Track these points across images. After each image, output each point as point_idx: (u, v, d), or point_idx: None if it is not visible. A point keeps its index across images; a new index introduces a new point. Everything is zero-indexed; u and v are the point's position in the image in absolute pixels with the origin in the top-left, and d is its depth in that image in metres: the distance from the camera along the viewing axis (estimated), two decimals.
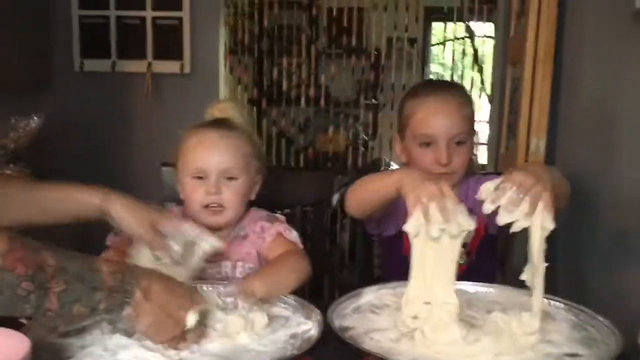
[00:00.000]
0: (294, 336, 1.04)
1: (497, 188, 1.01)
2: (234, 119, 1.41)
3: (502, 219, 1.02)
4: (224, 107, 1.44)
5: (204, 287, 1.16)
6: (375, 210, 1.33)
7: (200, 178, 1.33)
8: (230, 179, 1.34)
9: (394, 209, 1.43)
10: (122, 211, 1.18)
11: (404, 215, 1.05)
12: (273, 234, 1.37)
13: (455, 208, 1.03)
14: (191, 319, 0.98)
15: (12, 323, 0.89)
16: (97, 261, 0.94)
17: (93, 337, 1.00)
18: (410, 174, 1.13)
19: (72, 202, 1.19)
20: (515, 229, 1.01)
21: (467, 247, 1.44)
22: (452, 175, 1.41)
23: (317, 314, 1.08)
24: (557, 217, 1.03)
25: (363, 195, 1.31)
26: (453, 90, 1.47)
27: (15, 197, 1.17)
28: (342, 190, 2.34)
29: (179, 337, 0.98)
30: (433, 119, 1.40)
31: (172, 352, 0.97)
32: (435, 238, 1.02)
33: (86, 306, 0.89)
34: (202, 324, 1.01)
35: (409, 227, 1.03)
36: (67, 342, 0.99)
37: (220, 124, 1.38)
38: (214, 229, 1.35)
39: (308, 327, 1.07)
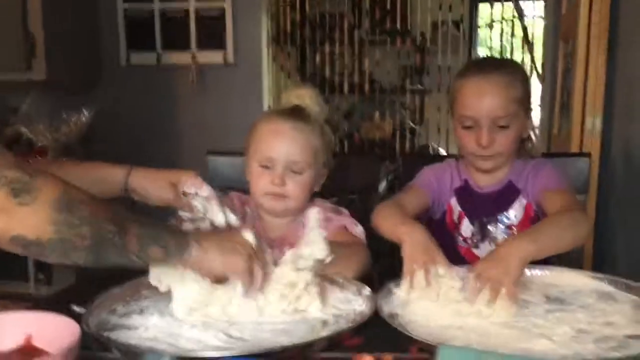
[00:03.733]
0: (343, 314, 1.04)
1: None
2: (309, 107, 1.39)
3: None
4: (301, 95, 1.42)
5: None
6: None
7: (266, 167, 1.33)
8: (296, 171, 1.34)
9: (433, 192, 1.45)
10: (143, 181, 1.22)
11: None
12: (337, 226, 1.36)
13: (444, 274, 1.09)
14: (249, 236, 1.02)
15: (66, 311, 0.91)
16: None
17: (152, 317, 1.01)
18: (415, 237, 1.16)
19: (99, 180, 1.22)
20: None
21: (515, 230, 1.40)
22: (494, 157, 1.38)
23: (367, 291, 1.08)
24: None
25: (379, 225, 1.31)
26: (502, 69, 1.39)
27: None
28: (389, 177, 2.33)
29: (253, 263, 1.00)
30: (474, 100, 1.35)
31: (233, 330, 0.96)
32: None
33: (161, 246, 0.90)
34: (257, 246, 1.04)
35: (400, 292, 1.10)
36: (128, 321, 1.00)
37: (295, 114, 1.36)
38: (274, 214, 1.38)
39: (359, 304, 1.06)
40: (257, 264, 1.02)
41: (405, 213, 1.32)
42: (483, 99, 1.34)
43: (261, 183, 1.34)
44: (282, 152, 1.32)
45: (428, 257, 1.11)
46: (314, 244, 1.08)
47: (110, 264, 0.88)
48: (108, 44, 3.14)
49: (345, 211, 1.43)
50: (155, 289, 1.13)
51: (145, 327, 0.98)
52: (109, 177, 1.23)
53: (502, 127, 1.35)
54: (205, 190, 1.21)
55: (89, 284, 1.28)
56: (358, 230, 1.37)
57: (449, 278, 1.09)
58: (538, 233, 1.15)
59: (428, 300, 1.07)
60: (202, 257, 0.96)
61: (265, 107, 3.06)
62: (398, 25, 3.65)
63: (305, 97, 1.41)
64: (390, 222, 1.28)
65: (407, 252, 1.14)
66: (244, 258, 1.00)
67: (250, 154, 1.38)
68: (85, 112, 2.79)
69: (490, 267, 1.06)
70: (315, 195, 1.45)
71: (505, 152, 1.38)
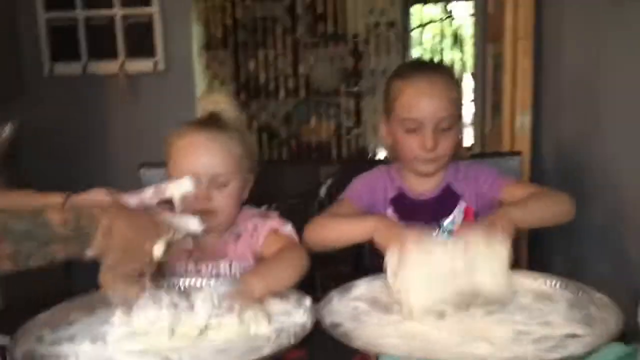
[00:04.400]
0: (285, 327, 1.02)
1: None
2: (225, 112, 1.35)
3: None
4: (216, 100, 1.37)
5: (201, 284, 1.14)
6: (338, 247, 1.34)
7: None
8: (221, 184, 1.29)
9: (370, 208, 1.43)
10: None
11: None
12: (266, 231, 1.33)
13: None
14: (157, 249, 0.99)
15: None
16: (44, 214, 0.93)
17: (83, 344, 0.97)
18: (383, 222, 1.18)
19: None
20: None
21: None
22: (438, 160, 1.37)
23: (307, 302, 1.07)
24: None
25: (328, 235, 1.31)
26: (440, 71, 1.41)
27: None
28: (329, 182, 2.31)
29: (145, 269, 1.00)
30: (419, 101, 1.34)
31: (171, 353, 0.93)
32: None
33: (42, 259, 0.90)
34: (169, 254, 1.03)
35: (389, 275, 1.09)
36: (57, 350, 0.96)
37: (211, 123, 1.32)
38: (205, 233, 1.31)
39: (300, 316, 1.05)
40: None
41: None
42: (427, 100, 1.33)
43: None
44: (203, 166, 1.26)
45: (413, 235, 1.10)
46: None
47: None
48: (29, 55, 3.00)
49: (272, 213, 1.41)
50: (85, 312, 1.09)
51: (75, 355, 0.93)
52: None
53: (444, 129, 1.34)
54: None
55: (17, 310, 1.22)
56: (288, 229, 1.35)
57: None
58: (523, 203, 1.24)
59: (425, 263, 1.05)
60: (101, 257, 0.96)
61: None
62: (332, 28, 3.65)
63: (220, 102, 1.36)
64: (345, 224, 1.29)
65: (383, 234, 1.15)
66: (135, 268, 0.99)
67: (170, 171, 1.31)
68: (8, 125, 2.66)
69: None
70: (254, 202, 1.42)
71: (448, 154, 1.38)
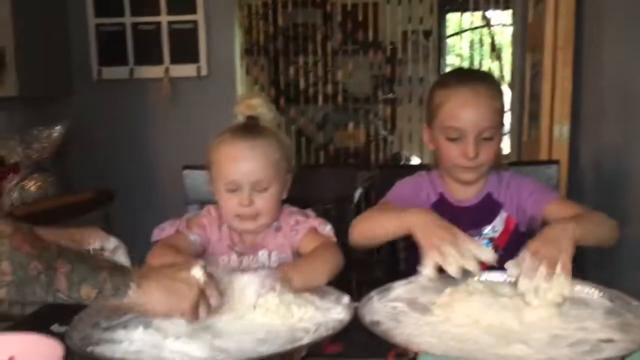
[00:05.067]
0: (323, 321, 1.06)
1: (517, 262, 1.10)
2: (262, 116, 1.40)
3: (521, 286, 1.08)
4: (252, 105, 1.41)
5: (245, 276, 1.15)
6: (383, 243, 1.36)
7: (232, 190, 1.33)
8: (262, 189, 1.34)
9: (415, 203, 1.43)
10: None
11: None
12: (307, 228, 1.38)
13: (470, 247, 1.10)
14: (197, 273, 0.99)
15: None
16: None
17: (136, 331, 1.00)
18: (423, 217, 1.17)
19: None
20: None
21: (495, 242, 1.41)
22: (478, 168, 1.38)
23: (346, 300, 1.10)
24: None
25: (371, 232, 1.33)
26: (484, 81, 1.39)
27: None
28: (364, 186, 2.32)
29: (198, 302, 0.98)
30: (462, 111, 1.34)
31: (217, 341, 0.97)
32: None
33: (93, 287, 0.89)
34: (210, 278, 1.02)
35: (426, 271, 1.09)
36: (112, 335, 1.00)
37: (249, 130, 1.36)
38: (248, 233, 1.38)
39: (338, 312, 1.08)
40: (203, 304, 1.00)
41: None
42: (471, 110, 1.34)
43: (229, 205, 1.34)
44: (244, 174, 1.32)
45: (447, 232, 1.10)
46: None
47: (38, 300, 0.87)
48: (79, 59, 3.11)
49: (312, 213, 1.44)
50: None
51: (129, 340, 0.98)
52: None
53: (487, 138, 1.35)
54: (112, 242, 1.24)
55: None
56: (327, 228, 1.39)
57: (479, 251, 1.10)
58: (582, 220, 1.20)
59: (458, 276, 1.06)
60: (143, 298, 0.94)
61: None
62: (369, 36, 3.69)
63: (257, 106, 1.40)
64: (386, 219, 1.28)
65: (422, 233, 1.13)
66: (189, 299, 0.98)
67: (213, 176, 1.37)
68: (57, 128, 2.76)
69: (543, 245, 1.08)
70: (288, 204, 1.46)
71: (489, 163, 1.38)
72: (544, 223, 1.36)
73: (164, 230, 1.38)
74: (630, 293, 1.08)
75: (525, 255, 1.09)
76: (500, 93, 1.40)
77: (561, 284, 1.05)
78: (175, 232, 1.37)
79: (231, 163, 1.33)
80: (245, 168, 1.32)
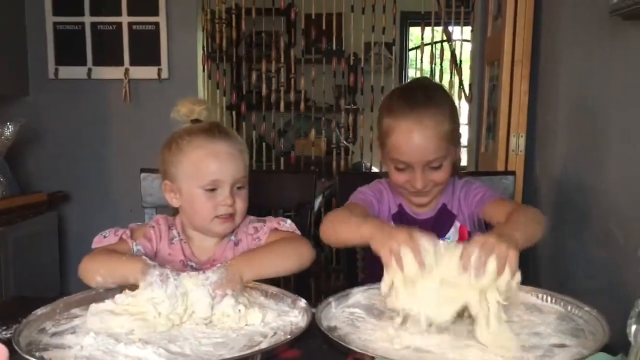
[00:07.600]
0: (280, 325, 1.06)
1: (461, 256, 0.99)
2: (206, 119, 1.40)
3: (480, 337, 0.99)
4: (196, 110, 1.38)
5: (191, 274, 1.13)
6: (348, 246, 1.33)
7: (212, 190, 1.31)
8: (240, 187, 1.34)
9: (374, 212, 1.43)
10: None
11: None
12: (267, 231, 1.37)
13: (432, 249, 1.01)
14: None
15: None
16: None
17: (87, 337, 0.98)
18: (382, 229, 1.09)
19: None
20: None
21: None
22: (430, 192, 1.39)
23: (302, 303, 1.11)
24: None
25: (334, 236, 1.30)
26: (430, 105, 1.33)
27: None
28: (326, 193, 2.30)
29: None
30: (407, 144, 1.31)
31: (173, 345, 0.96)
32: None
33: None
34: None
35: (383, 289, 1.02)
36: (61, 341, 0.99)
37: (219, 130, 1.35)
38: (220, 236, 1.37)
39: (295, 315, 1.09)
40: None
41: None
42: (415, 143, 1.31)
43: (208, 207, 1.31)
44: (228, 172, 1.31)
45: (405, 234, 1.01)
46: None
47: None
48: (36, 57, 3.03)
49: (268, 217, 1.44)
50: (85, 308, 1.11)
51: (80, 345, 0.95)
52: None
53: (435, 167, 1.34)
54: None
55: (6, 307, 1.23)
56: (287, 224, 1.39)
57: (444, 250, 1.00)
58: (516, 224, 1.14)
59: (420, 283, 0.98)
60: None
61: None
62: (333, 45, 3.71)
63: (204, 111, 1.39)
64: (346, 227, 1.23)
65: (379, 241, 1.05)
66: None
67: (184, 180, 1.33)
68: (10, 126, 2.69)
69: (491, 238, 1.00)
70: (250, 212, 1.45)
71: (441, 185, 1.39)
72: (486, 224, 1.39)
73: (106, 238, 1.32)
74: (582, 299, 1.11)
75: (474, 247, 0.99)
76: (448, 114, 1.34)
77: (508, 285, 0.99)
78: (118, 240, 1.32)
79: (212, 162, 1.31)
80: (227, 165, 1.32)
